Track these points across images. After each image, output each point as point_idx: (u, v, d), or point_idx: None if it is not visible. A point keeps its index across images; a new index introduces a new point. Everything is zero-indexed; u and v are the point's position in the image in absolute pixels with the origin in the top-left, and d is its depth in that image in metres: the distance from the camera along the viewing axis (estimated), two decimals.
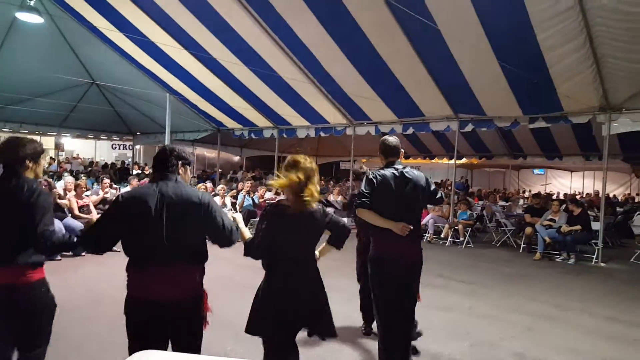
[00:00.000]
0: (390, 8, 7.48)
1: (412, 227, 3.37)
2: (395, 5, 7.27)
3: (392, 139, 3.72)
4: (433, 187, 3.74)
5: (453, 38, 7.76)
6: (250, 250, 2.82)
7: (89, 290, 6.01)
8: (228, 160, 25.94)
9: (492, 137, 15.94)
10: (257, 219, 3.14)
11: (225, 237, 2.67)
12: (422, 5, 7.29)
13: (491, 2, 7.01)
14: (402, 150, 3.74)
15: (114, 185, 10.74)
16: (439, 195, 3.82)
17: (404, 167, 3.59)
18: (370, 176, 3.50)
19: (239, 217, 3.02)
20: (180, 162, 2.71)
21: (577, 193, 20.62)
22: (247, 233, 2.94)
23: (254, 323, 2.86)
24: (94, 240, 2.58)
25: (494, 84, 9.04)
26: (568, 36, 7.16)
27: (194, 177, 17.24)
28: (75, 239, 2.65)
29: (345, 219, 3.01)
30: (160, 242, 2.47)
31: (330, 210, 3.01)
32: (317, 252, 3.02)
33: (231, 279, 6.71)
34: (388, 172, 3.52)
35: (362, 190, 3.46)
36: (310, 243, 2.91)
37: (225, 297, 5.68)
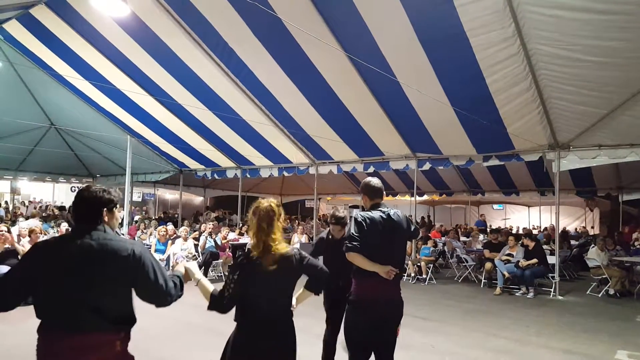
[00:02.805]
0: (349, 57, 7.77)
1: (398, 271, 3.33)
2: (354, 53, 7.59)
3: (376, 181, 3.66)
4: (413, 227, 3.73)
5: (409, 84, 8.09)
6: (217, 304, 2.55)
7: None
8: (191, 201, 25.63)
9: (450, 174, 16.39)
10: (229, 268, 2.80)
11: (161, 296, 2.30)
12: (379, 54, 7.66)
13: (443, 49, 7.37)
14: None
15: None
16: (415, 230, 3.85)
17: (389, 209, 3.55)
18: (360, 219, 3.39)
19: (192, 266, 2.72)
20: (104, 209, 2.32)
21: (535, 227, 21.19)
22: (209, 284, 2.65)
23: None
24: None
25: (449, 125, 9.42)
26: (515, 80, 7.59)
27: (155, 219, 16.94)
28: None
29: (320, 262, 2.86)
30: (75, 306, 2.13)
31: (305, 253, 2.80)
32: (294, 300, 2.78)
33: (200, 326, 6.44)
34: (376, 214, 3.44)
35: (352, 233, 3.33)
36: (285, 293, 2.69)
37: (194, 347, 5.55)
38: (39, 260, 2.20)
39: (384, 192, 3.69)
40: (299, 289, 2.86)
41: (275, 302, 2.63)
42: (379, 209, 3.50)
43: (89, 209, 2.30)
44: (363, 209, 3.66)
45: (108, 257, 2.18)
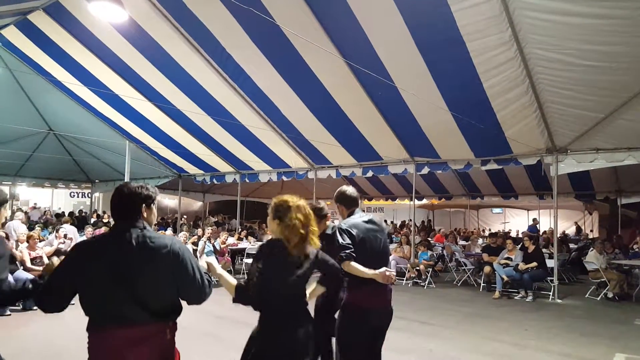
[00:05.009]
0: (346, 61, 7.80)
1: (394, 274, 3.27)
2: (351, 58, 7.61)
3: (351, 190, 3.63)
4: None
5: (406, 89, 8.12)
6: (243, 295, 2.58)
7: (43, 345, 5.76)
8: (190, 206, 25.61)
9: (449, 178, 16.41)
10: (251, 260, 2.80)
11: (197, 294, 2.34)
12: (376, 59, 7.68)
13: (440, 54, 7.39)
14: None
15: (69, 235, 10.42)
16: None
17: (367, 215, 3.54)
18: (345, 227, 3.34)
19: (213, 260, 2.74)
20: (143, 204, 2.34)
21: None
22: (231, 278, 2.68)
23: None
24: (44, 295, 2.24)
25: (446, 129, 9.44)
26: (512, 84, 7.61)
27: (154, 224, 16.93)
28: (31, 286, 2.31)
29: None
30: (122, 301, 2.16)
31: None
32: (307, 293, 2.81)
33: (195, 331, 6.31)
34: (358, 220, 3.43)
35: (342, 242, 3.27)
36: (305, 285, 2.72)
37: (190, 352, 5.54)
38: (82, 259, 2.23)
39: (360, 201, 3.65)
40: (311, 283, 2.89)
41: (296, 293, 2.68)
42: (358, 215, 3.50)
43: (129, 206, 2.33)
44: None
45: (148, 253, 2.21)
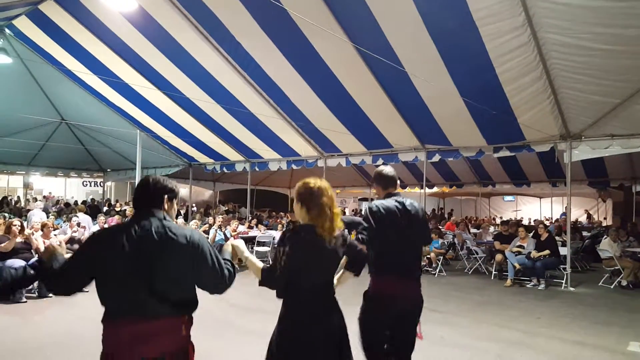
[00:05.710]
0: (356, 48, 7.72)
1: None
2: (362, 44, 7.53)
3: (389, 169, 3.46)
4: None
5: (417, 75, 8.03)
6: (269, 278, 2.51)
7: (59, 332, 5.79)
8: (201, 195, 25.73)
9: (461, 166, 16.28)
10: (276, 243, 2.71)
11: (218, 284, 2.33)
12: (387, 45, 7.59)
13: (452, 39, 7.29)
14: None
15: (82, 224, 10.54)
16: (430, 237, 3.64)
17: (404, 199, 3.34)
18: (375, 208, 3.19)
19: (240, 243, 2.69)
20: (166, 196, 2.35)
21: (546, 219, 21.03)
22: (257, 262, 2.61)
23: None
24: (58, 278, 2.22)
25: (458, 116, 9.34)
26: (525, 69, 7.48)
27: None
28: (32, 272, 2.36)
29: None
30: (139, 293, 2.13)
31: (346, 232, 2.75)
32: (335, 281, 2.75)
33: (207, 315, 6.47)
34: (391, 203, 3.24)
35: (370, 223, 3.11)
36: (332, 272, 2.66)
37: (202, 336, 5.59)
38: (100, 246, 2.22)
39: (398, 182, 3.48)
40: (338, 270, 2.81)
41: (328, 279, 2.63)
42: (394, 197, 3.32)
43: (152, 195, 2.34)
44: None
45: (168, 242, 2.19)
